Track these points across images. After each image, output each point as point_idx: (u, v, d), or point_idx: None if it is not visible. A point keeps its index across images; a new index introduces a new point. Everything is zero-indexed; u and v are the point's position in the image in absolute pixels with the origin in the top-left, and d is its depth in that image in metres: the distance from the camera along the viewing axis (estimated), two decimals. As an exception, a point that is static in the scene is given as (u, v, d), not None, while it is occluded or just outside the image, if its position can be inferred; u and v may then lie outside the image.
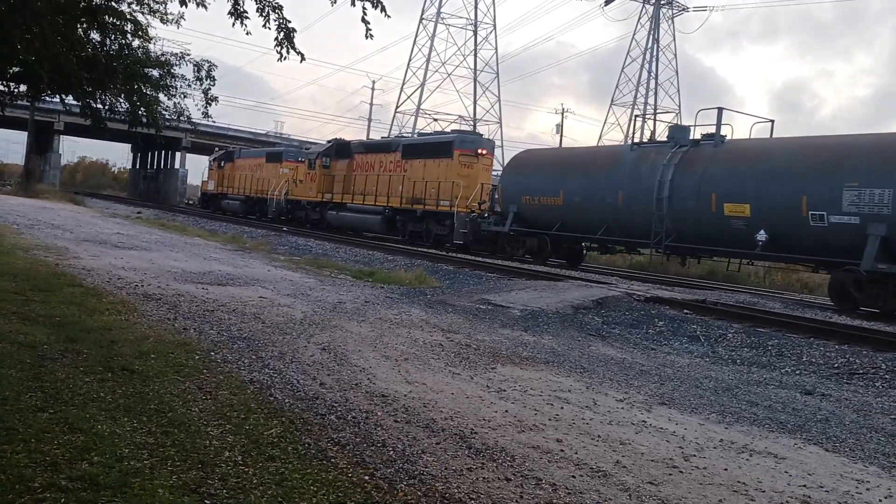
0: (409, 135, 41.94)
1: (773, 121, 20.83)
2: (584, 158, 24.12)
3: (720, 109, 20.10)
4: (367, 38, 5.56)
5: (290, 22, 5.76)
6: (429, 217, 28.64)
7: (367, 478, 4.38)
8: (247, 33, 5.95)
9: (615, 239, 22.21)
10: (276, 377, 6.54)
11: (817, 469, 5.47)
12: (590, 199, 22.14)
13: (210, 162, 50.59)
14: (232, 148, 52.07)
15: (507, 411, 6.27)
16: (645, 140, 22.14)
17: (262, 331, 8.59)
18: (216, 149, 53.48)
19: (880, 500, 4.90)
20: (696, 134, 20.97)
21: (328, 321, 9.70)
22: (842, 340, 11.49)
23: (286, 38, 5.79)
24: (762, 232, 17.46)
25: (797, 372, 9.67)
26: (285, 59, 5.81)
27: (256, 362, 7.01)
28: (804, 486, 5.05)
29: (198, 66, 10.80)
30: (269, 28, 5.72)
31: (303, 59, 5.98)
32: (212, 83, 10.76)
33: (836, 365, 10.07)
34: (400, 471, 4.57)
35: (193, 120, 13.12)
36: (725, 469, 5.23)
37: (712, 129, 20.37)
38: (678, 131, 21.70)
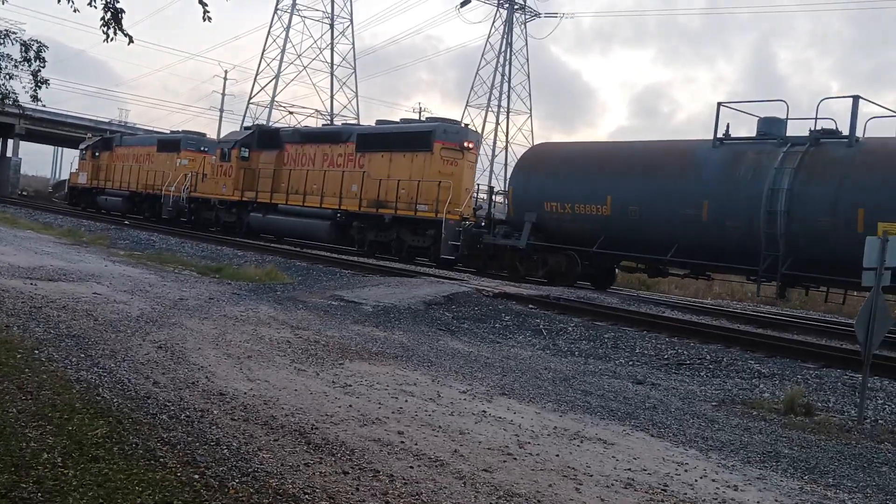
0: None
1: None
2: (645, 155, 18.68)
3: (856, 98, 15.46)
4: (204, 20, 5.39)
5: (117, 2, 5.48)
6: (401, 225, 23.28)
7: (196, 476, 4.25)
8: (74, 10, 5.63)
9: (694, 262, 17.38)
10: (106, 376, 6.22)
11: (642, 453, 5.80)
12: (655, 209, 17.41)
13: (81, 150, 43.49)
14: (110, 134, 44.75)
15: (351, 406, 6.26)
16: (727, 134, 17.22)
17: (94, 328, 8.14)
18: (88, 135, 46.19)
19: (696, 480, 5.25)
20: (790, 129, 16.53)
21: (167, 318, 9.33)
22: (672, 333, 12.22)
23: (113, 18, 5.52)
24: None
25: (630, 363, 10.21)
26: (112, 40, 5.53)
27: (85, 361, 6.64)
28: (629, 469, 5.34)
29: (25, 46, 10.10)
30: (95, 6, 5.43)
31: (131, 40, 5.72)
32: (42, 64, 10.10)
33: (665, 356, 10.71)
34: (233, 469, 4.46)
35: (24, 104, 12.26)
36: (557, 455, 5.45)
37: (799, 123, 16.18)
38: (771, 125, 16.77)
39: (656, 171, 17.78)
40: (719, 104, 17.42)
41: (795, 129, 16.55)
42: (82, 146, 43.73)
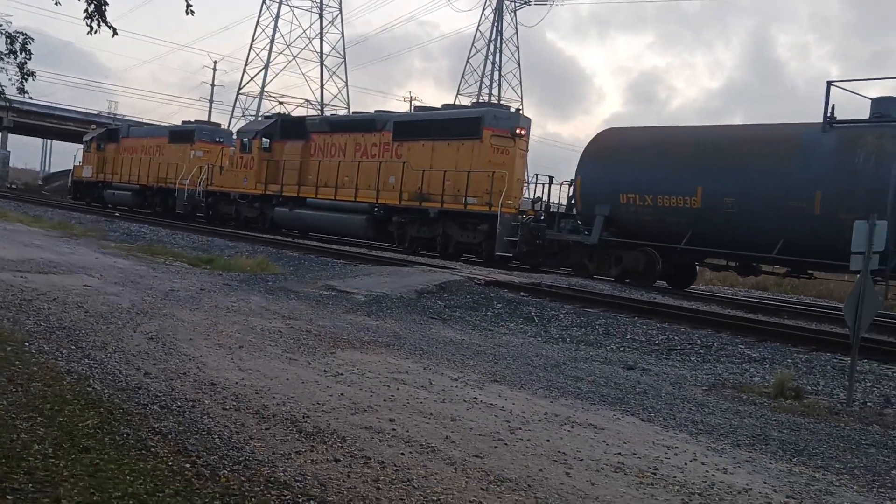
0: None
1: None
2: (742, 141, 16.92)
3: None
4: (187, 13, 5.37)
5: (101, -6, 5.45)
6: (447, 219, 21.57)
7: (188, 465, 4.26)
8: (56, 3, 5.60)
9: (803, 260, 15.55)
10: (97, 367, 6.22)
11: (632, 438, 5.84)
12: (756, 201, 15.80)
13: (85, 142, 41.48)
14: (116, 124, 42.96)
15: (342, 394, 6.28)
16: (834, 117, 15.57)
17: (85, 320, 8.13)
18: (92, 126, 45.15)
19: (685, 464, 5.29)
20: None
21: (158, 310, 9.32)
22: (663, 319, 12.27)
23: (96, 10, 5.48)
24: None
25: (621, 349, 10.26)
26: (96, 32, 5.50)
27: (76, 353, 6.64)
28: (619, 453, 5.38)
29: (11, 38, 10.03)
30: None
31: (115, 33, 5.68)
32: (28, 56, 10.02)
33: (656, 342, 10.76)
34: (224, 457, 4.47)
35: (11, 97, 12.19)
36: (548, 440, 5.49)
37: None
38: (889, 105, 15.30)
39: (756, 159, 16.03)
40: (829, 83, 15.57)
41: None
42: (86, 138, 41.93)
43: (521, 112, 22.03)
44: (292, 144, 27.18)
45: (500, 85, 72.99)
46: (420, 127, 23.05)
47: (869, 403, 7.86)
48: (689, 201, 16.84)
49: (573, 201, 19.94)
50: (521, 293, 14.17)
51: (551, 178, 21.25)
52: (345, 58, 69.48)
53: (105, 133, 40.54)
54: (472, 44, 73.50)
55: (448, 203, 21.26)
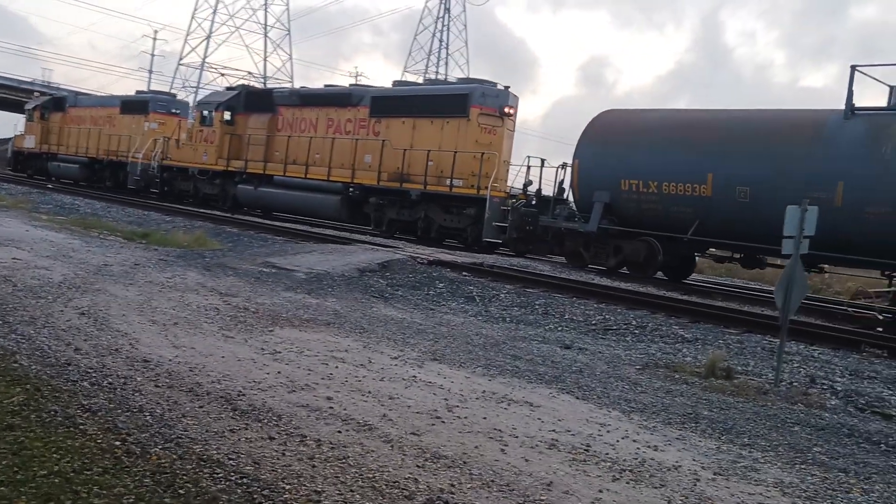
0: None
1: None
2: (757, 126, 15.84)
3: None
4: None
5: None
6: (430, 202, 20.48)
7: (118, 443, 4.18)
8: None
9: (819, 254, 13.19)
10: (24, 343, 6.05)
11: (567, 415, 5.93)
12: (772, 190, 14.67)
13: (27, 111, 39.39)
14: (62, 93, 41.55)
15: (279, 372, 6.23)
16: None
17: (13, 294, 7.89)
18: (35, 94, 42.74)
19: (618, 441, 5.40)
20: None
21: (90, 285, 9.09)
22: (601, 300, 12.46)
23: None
24: None
25: (559, 328, 10.40)
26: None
27: (2, 328, 6.45)
28: (553, 430, 5.46)
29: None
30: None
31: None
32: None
33: (593, 322, 10.92)
34: (155, 435, 4.40)
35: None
36: (485, 418, 5.54)
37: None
38: None
39: (773, 146, 15.04)
40: (853, 67, 14.53)
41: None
42: (28, 106, 39.79)
43: (509, 90, 20.68)
44: (258, 118, 25.78)
45: (447, 63, 72.82)
46: (401, 103, 21.76)
47: (795, 384, 8.13)
48: (697, 189, 15.81)
49: (565, 186, 18.98)
50: (464, 273, 14.23)
51: (543, 161, 20.05)
52: (289, 30, 68.45)
53: (50, 101, 38.63)
54: (420, 20, 73.10)
55: (431, 185, 20.13)
